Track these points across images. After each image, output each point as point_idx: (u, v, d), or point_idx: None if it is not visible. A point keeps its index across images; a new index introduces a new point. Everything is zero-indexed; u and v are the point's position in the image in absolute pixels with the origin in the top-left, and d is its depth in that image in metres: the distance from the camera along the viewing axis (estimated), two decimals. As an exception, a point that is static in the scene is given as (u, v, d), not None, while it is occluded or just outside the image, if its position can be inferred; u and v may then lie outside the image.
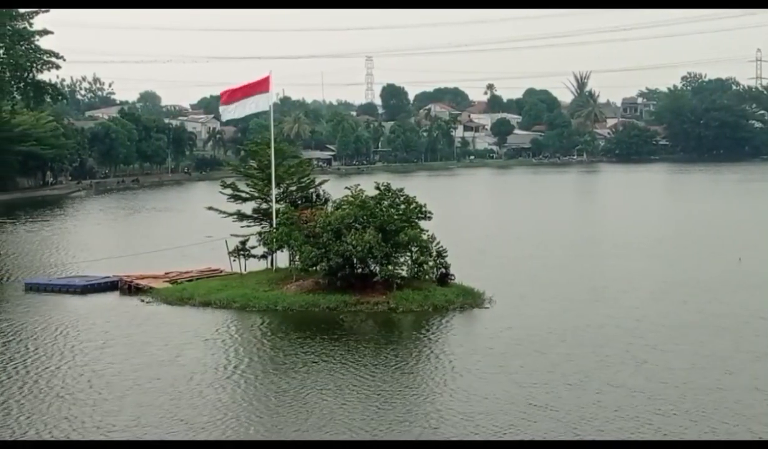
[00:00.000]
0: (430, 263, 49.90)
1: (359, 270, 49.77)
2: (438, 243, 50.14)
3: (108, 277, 56.63)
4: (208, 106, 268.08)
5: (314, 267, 50.09)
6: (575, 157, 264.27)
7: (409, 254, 49.77)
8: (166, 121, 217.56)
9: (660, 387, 32.40)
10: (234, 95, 57.81)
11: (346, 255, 48.34)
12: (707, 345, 39.08)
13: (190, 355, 38.67)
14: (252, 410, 31.06)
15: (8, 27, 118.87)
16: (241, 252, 56.28)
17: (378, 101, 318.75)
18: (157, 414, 30.51)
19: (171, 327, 44.30)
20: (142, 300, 51.38)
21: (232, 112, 58.90)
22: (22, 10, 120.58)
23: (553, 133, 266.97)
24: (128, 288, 54.59)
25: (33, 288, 56.00)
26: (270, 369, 36.71)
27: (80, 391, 33.50)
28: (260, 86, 57.23)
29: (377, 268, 49.18)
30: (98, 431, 28.89)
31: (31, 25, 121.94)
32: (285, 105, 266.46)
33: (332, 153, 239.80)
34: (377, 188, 51.72)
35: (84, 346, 40.73)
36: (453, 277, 50.46)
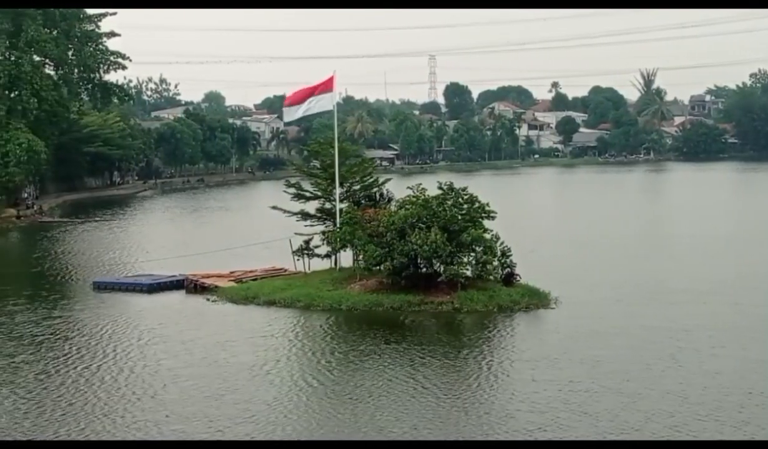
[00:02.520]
0: (495, 263, 49.72)
1: (423, 270, 49.76)
2: (502, 242, 49.93)
3: (174, 276, 57.12)
4: (272, 105, 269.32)
5: (378, 267, 50.14)
6: (642, 156, 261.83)
7: (473, 254, 49.62)
8: (231, 121, 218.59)
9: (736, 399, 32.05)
10: (298, 97, 58.11)
11: (411, 255, 48.36)
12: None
13: (254, 354, 38.92)
14: (313, 409, 31.21)
15: (77, 29, 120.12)
16: (305, 252, 56.46)
17: (441, 100, 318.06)
18: (222, 412, 30.76)
19: (235, 326, 44.62)
20: (208, 299, 51.76)
21: (295, 113, 59.17)
22: (89, 13, 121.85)
23: (619, 131, 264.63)
24: (194, 287, 55.04)
25: (101, 287, 56.64)
26: (333, 368, 36.82)
27: (150, 389, 33.88)
28: (324, 86, 57.44)
29: (441, 268, 49.13)
30: (167, 429, 29.20)
31: (98, 27, 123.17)
32: (348, 104, 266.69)
33: (395, 152, 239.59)
34: (440, 188, 51.67)
35: (150, 345, 41.17)
36: (518, 277, 50.23)
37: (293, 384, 34.32)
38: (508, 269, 50.19)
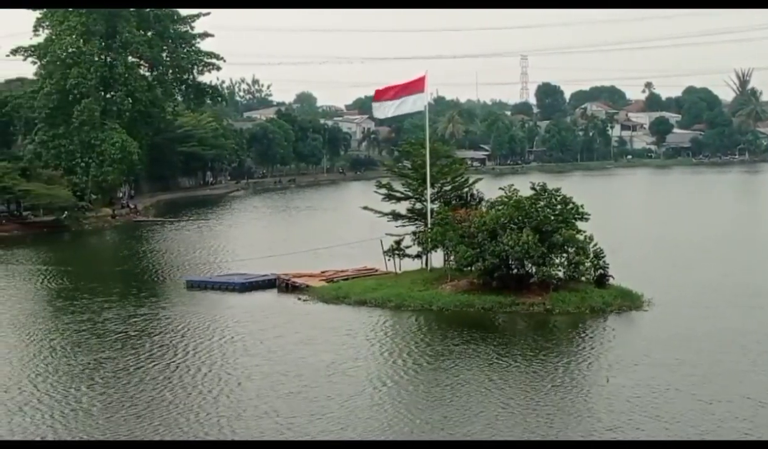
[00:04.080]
0: (587, 264, 49.28)
1: (515, 271, 49.45)
2: (596, 244, 49.46)
3: (266, 275, 57.43)
4: (363, 106, 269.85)
5: (469, 268, 49.96)
6: (737, 157, 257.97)
7: (565, 255, 49.25)
8: (322, 121, 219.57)
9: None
10: (388, 93, 58.00)
11: (502, 256, 48.09)
12: None
13: (337, 352, 38.98)
14: (406, 408, 31.12)
15: (171, 30, 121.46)
16: (396, 252, 56.40)
17: (533, 100, 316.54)
18: (296, 409, 30.84)
19: (324, 325, 44.71)
20: (299, 299, 51.96)
21: (385, 109, 59.06)
22: (183, 13, 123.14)
23: (714, 131, 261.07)
24: (285, 286, 55.30)
25: (194, 285, 57.16)
26: (417, 368, 36.76)
27: (225, 388, 34.09)
28: (415, 86, 57.29)
29: (533, 269, 48.82)
30: (239, 426, 29.35)
31: (192, 28, 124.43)
32: (439, 105, 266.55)
33: (486, 152, 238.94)
34: (533, 188, 51.33)
35: (234, 342, 41.47)
36: (611, 279, 49.72)
37: (369, 383, 34.27)
38: (600, 270, 49.71)
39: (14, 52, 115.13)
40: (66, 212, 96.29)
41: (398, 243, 56.52)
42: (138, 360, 38.28)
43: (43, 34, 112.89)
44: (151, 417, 30.36)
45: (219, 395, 33.11)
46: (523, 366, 36.51)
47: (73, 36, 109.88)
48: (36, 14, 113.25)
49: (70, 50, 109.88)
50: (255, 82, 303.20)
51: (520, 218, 48.85)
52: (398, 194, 60.31)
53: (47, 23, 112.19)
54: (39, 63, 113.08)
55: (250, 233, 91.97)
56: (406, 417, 30.03)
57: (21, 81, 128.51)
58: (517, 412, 30.19)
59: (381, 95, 58.49)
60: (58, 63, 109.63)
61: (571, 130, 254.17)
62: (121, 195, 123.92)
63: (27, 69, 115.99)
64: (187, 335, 43.27)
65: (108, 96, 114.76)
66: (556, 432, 28.07)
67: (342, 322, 45.37)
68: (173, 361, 38.18)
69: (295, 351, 39.47)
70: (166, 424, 29.64)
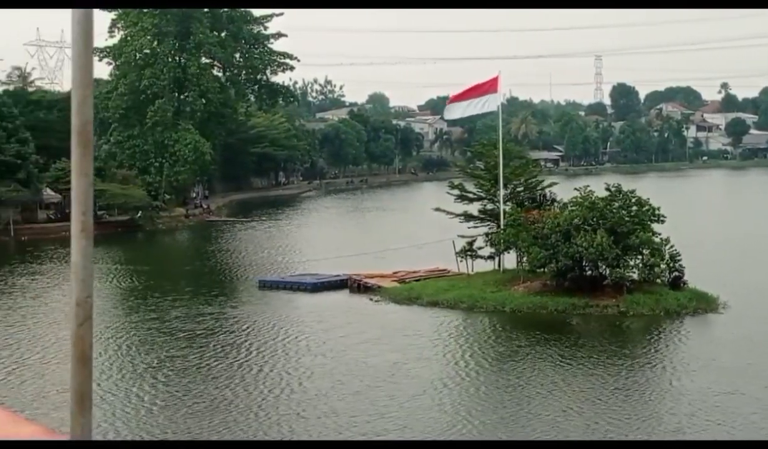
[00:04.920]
0: (662, 266, 48.73)
1: (588, 273, 49.02)
2: (671, 246, 48.86)
3: (338, 276, 57.44)
4: (435, 106, 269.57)
5: (542, 269, 49.64)
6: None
7: (640, 257, 48.72)
8: (394, 122, 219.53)
9: None
10: (462, 96, 57.93)
11: (576, 257, 47.69)
12: None
13: (411, 354, 38.90)
14: (466, 410, 31.08)
15: (244, 31, 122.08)
16: (468, 253, 56.15)
17: (607, 101, 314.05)
18: (356, 408, 30.76)
19: (395, 326, 44.64)
20: (371, 299, 51.91)
21: (458, 111, 59.00)
22: (256, 14, 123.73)
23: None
24: (357, 286, 55.27)
25: (266, 285, 57.32)
26: (486, 370, 36.64)
27: (287, 387, 34.13)
28: (489, 87, 57.11)
29: (607, 271, 48.33)
30: (298, 426, 29.29)
31: (265, 28, 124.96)
32: (512, 105, 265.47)
33: (560, 153, 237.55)
34: (607, 189, 50.88)
35: (300, 342, 41.54)
36: (686, 281, 49.12)
37: (431, 384, 34.25)
38: (675, 273, 49.12)
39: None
40: (140, 212, 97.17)
41: (471, 244, 56.27)
42: (202, 359, 38.45)
43: (118, 35, 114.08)
44: (210, 416, 30.43)
45: (280, 394, 33.14)
46: (589, 368, 36.21)
47: (147, 37, 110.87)
48: (111, 15, 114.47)
49: (144, 51, 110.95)
50: (327, 82, 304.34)
51: (594, 219, 48.42)
52: (471, 195, 60.11)
53: (122, 24, 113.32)
54: (114, 64, 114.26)
55: (321, 233, 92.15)
56: (465, 418, 29.93)
57: (96, 81, 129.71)
58: (578, 415, 29.94)
59: (455, 98, 58.58)
60: (132, 64, 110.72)
61: (645, 130, 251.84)
62: (194, 195, 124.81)
63: (102, 70, 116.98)
64: (253, 334, 43.42)
65: (181, 96, 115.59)
66: (616, 436, 27.73)
67: (411, 323, 45.27)
68: (237, 360, 38.30)
69: (360, 351, 39.44)
70: (225, 423, 29.70)
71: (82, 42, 3.57)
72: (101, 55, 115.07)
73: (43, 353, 40.14)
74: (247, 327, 44.92)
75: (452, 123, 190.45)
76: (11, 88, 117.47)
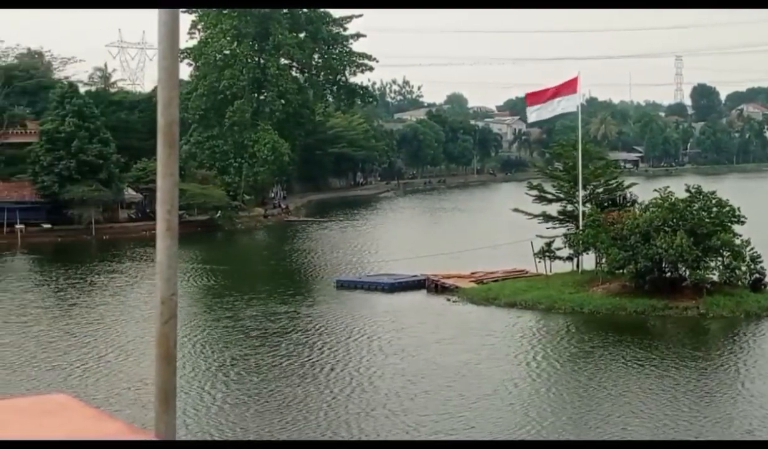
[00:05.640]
0: (743, 268, 48.14)
1: (668, 274, 48.56)
2: (752, 247, 48.25)
3: (415, 276, 57.44)
4: (514, 107, 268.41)
5: (621, 270, 49.28)
6: None
7: (720, 258, 48.18)
8: (473, 122, 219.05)
9: None
10: (541, 97, 57.73)
11: (655, 259, 47.27)
12: None
13: (484, 354, 38.84)
14: (536, 410, 30.95)
15: (324, 31, 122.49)
16: (547, 254, 55.88)
17: (687, 101, 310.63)
18: (448, 411, 30.69)
19: (470, 327, 44.56)
20: (448, 300, 51.86)
21: (538, 113, 58.86)
22: (336, 15, 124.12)
23: None
24: (435, 287, 55.23)
25: (343, 285, 57.46)
26: (558, 371, 36.49)
27: (357, 387, 34.16)
28: (568, 87, 56.87)
29: (687, 272, 47.84)
30: (367, 425, 29.33)
31: (344, 29, 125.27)
32: (591, 106, 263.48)
33: (639, 154, 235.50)
34: (688, 190, 50.38)
35: (380, 343, 41.56)
36: (767, 284, 48.47)
37: (502, 384, 34.18)
38: (756, 274, 48.50)
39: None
40: (219, 212, 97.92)
41: (549, 245, 56.00)
42: (275, 358, 38.67)
43: (198, 37, 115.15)
44: (281, 415, 30.58)
45: (351, 393, 33.23)
46: (663, 370, 35.90)
47: (227, 38, 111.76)
48: (191, 17, 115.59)
49: (223, 52, 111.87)
50: (406, 83, 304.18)
51: (674, 220, 47.98)
52: (549, 196, 59.84)
53: (202, 26, 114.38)
54: (194, 65, 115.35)
55: (398, 233, 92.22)
56: (535, 419, 29.83)
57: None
58: (647, 417, 29.68)
59: (533, 98, 58.28)
60: (211, 65, 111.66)
61: (726, 131, 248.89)
62: (273, 195, 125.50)
63: (182, 71, 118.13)
64: (326, 333, 43.59)
65: (260, 97, 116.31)
66: (684, 438, 27.48)
67: (486, 324, 45.18)
68: (309, 359, 38.47)
69: (433, 351, 39.43)
70: (295, 422, 29.82)
71: (168, 43, 3.62)
72: (181, 57, 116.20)
73: (119, 351, 40.65)
74: (321, 327, 45.10)
75: (531, 124, 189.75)
76: (93, 88, 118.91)
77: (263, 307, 50.08)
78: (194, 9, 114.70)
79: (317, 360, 38.28)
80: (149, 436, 2.59)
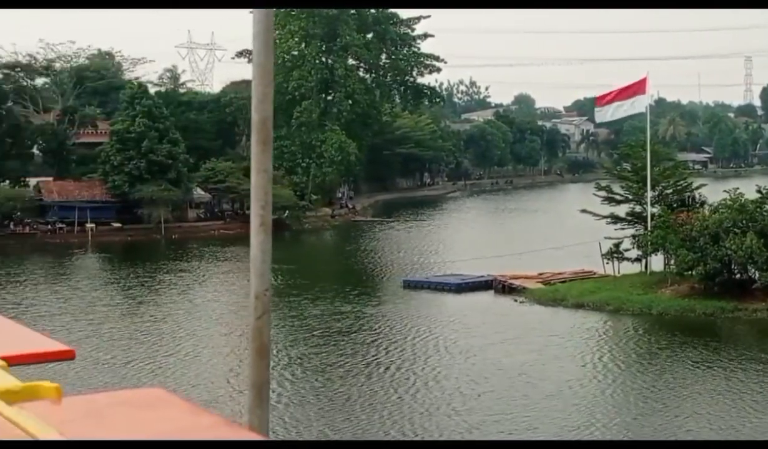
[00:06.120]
0: (815, 270, 47.54)
1: (737, 276, 48.09)
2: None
3: (482, 276, 57.37)
4: (582, 107, 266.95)
5: (690, 272, 48.87)
6: None
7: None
8: (540, 123, 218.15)
9: None
10: (610, 98, 57.53)
11: (725, 260, 46.82)
12: None
13: (549, 355, 38.73)
14: (601, 411, 30.83)
15: (391, 32, 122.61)
16: (615, 255, 55.57)
17: (757, 102, 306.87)
18: (510, 412, 30.67)
19: (536, 327, 44.43)
20: (515, 300, 51.77)
21: (607, 114, 58.66)
22: (403, 16, 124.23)
23: None
24: (502, 287, 55.13)
25: (410, 285, 57.53)
26: (623, 372, 36.33)
27: (412, 388, 34.18)
28: (636, 88, 56.60)
29: (756, 274, 47.33)
30: (420, 425, 29.34)
31: (412, 30, 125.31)
32: (660, 106, 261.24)
33: (708, 155, 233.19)
34: (759, 191, 49.87)
35: (444, 342, 41.58)
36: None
37: (566, 384, 34.02)
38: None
39: (239, 54, 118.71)
40: (287, 211, 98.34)
41: (617, 246, 55.70)
42: (339, 357, 38.82)
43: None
44: (345, 413, 30.70)
45: (415, 393, 33.28)
46: (730, 372, 35.56)
47: (295, 39, 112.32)
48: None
49: (291, 53, 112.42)
50: (473, 83, 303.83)
51: (743, 222, 47.48)
52: (617, 197, 59.51)
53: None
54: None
55: (464, 234, 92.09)
56: (599, 420, 29.73)
57: (245, 83, 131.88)
58: (710, 418, 29.46)
59: (602, 100, 58.13)
60: (279, 65, 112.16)
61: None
62: (340, 195, 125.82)
63: (251, 71, 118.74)
64: (391, 333, 43.66)
65: (327, 98, 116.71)
66: (745, 437, 27.29)
67: (553, 324, 45.04)
68: (374, 358, 38.60)
69: (497, 351, 39.39)
70: (359, 420, 29.92)
71: (262, 40, 3.68)
72: (250, 57, 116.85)
73: (184, 348, 41.05)
74: (387, 326, 45.20)
75: (599, 124, 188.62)
76: (163, 89, 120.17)
77: (329, 306, 50.27)
78: (292, 7, 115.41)
79: (382, 360, 38.38)
80: (244, 430, 2.66)
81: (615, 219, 58.42)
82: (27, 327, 3.35)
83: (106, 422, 2.41)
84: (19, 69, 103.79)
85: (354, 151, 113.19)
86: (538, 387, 33.59)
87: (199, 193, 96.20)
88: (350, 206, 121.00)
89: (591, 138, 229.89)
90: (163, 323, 46.91)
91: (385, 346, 40.97)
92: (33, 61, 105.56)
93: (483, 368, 36.48)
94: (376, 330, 44.52)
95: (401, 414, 30.63)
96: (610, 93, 58.30)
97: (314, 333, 43.62)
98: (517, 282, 54.99)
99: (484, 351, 39.50)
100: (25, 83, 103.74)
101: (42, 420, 2.29)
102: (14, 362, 2.87)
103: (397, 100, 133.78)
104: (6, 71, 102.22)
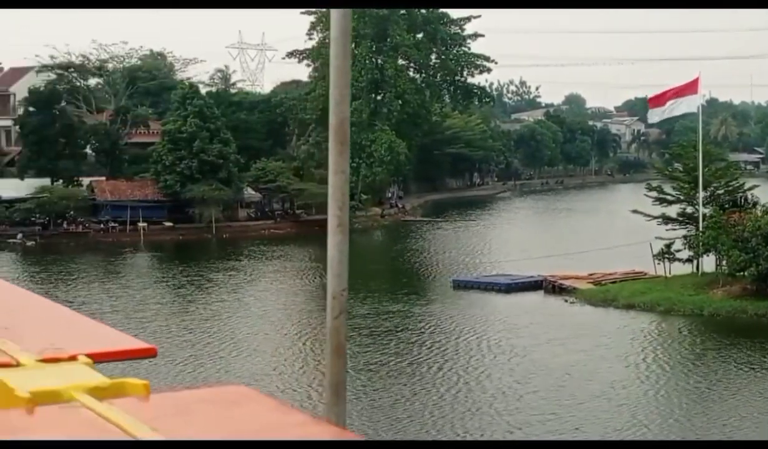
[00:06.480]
0: None
1: (790, 278, 47.73)
2: None
3: (532, 277, 57.28)
4: (633, 107, 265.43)
5: (742, 273, 48.52)
6: None
7: None
8: (591, 123, 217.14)
9: None
10: (663, 98, 57.35)
11: (778, 261, 46.51)
12: None
13: (596, 355, 38.63)
14: (643, 412, 30.75)
15: (441, 32, 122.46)
16: (666, 256, 55.26)
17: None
18: (555, 412, 30.61)
19: (585, 328, 44.32)
20: (565, 301, 51.66)
21: (659, 114, 58.50)
22: (454, 15, 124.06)
23: None
24: (552, 287, 55.00)
25: (460, 285, 57.53)
26: (668, 372, 36.17)
27: (454, 388, 34.18)
28: (688, 88, 56.36)
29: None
30: (461, 426, 29.29)
31: (463, 29, 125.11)
32: (712, 106, 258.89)
33: (761, 155, 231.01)
34: (812, 191, 49.51)
35: (488, 343, 41.55)
36: None
37: (611, 385, 33.95)
38: None
39: (290, 54, 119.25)
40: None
41: (669, 246, 55.39)
42: (384, 355, 38.90)
43: (317, 38, 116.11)
44: (388, 413, 30.72)
45: (458, 393, 33.30)
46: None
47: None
48: (310, 18, 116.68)
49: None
50: (523, 83, 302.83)
51: (798, 223, 47.17)
52: (669, 197, 59.19)
53: (321, 27, 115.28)
54: (312, 65, 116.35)
55: (513, 234, 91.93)
56: (642, 421, 29.66)
57: (296, 83, 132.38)
58: (756, 421, 29.22)
59: (655, 100, 58.03)
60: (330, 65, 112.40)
61: None
62: (389, 195, 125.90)
63: (302, 71, 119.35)
64: (438, 332, 43.72)
65: (377, 98, 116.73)
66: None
67: (601, 325, 44.93)
68: (418, 358, 38.68)
69: (544, 351, 39.32)
70: (401, 420, 29.97)
71: (340, 42, 3.71)
72: (300, 57, 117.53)
73: (231, 347, 41.31)
74: (433, 326, 45.26)
75: (650, 124, 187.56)
76: (214, 89, 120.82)
77: (377, 306, 50.36)
78: (313, 10, 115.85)
79: (426, 359, 38.45)
80: (337, 428, 2.69)
81: (666, 219, 58.11)
82: (109, 326, 3.42)
83: (195, 419, 2.44)
84: (72, 69, 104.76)
85: (404, 150, 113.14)
86: (583, 387, 33.54)
87: (249, 192, 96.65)
88: (400, 206, 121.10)
89: (642, 138, 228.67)
90: (212, 321, 47.25)
91: (430, 346, 41.03)
92: (86, 62, 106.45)
93: (528, 368, 36.45)
94: (422, 329, 44.58)
95: (443, 414, 30.70)
96: (663, 94, 58.13)
97: (361, 332, 43.71)
98: (567, 283, 54.83)
99: (530, 351, 39.46)
100: (78, 83, 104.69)
101: (132, 417, 2.33)
102: (99, 359, 2.92)
103: (447, 100, 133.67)
104: (60, 72, 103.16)
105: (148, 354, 3.21)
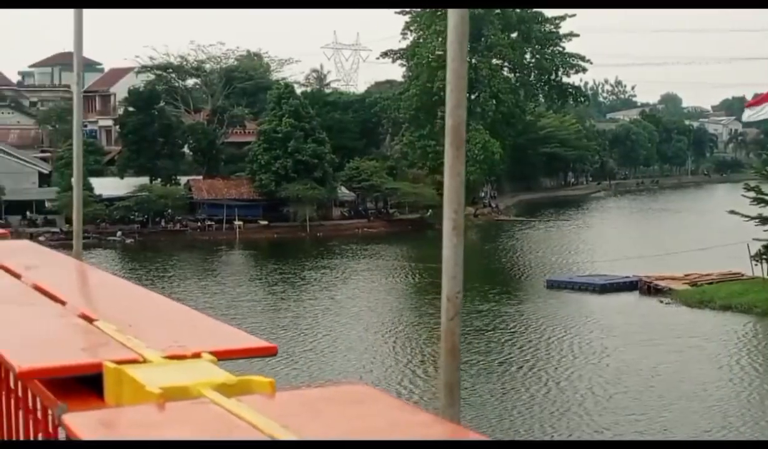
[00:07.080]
0: None
1: None
2: None
3: (627, 277, 56.91)
4: (730, 107, 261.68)
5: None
6: None
7: None
8: (687, 122, 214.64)
9: None
10: (762, 99, 56.68)
11: None
12: None
13: (695, 357, 38.37)
14: (735, 413, 30.63)
15: (535, 31, 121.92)
16: (764, 257, 54.51)
17: None
18: (644, 412, 30.43)
19: (683, 329, 44.04)
20: (661, 302, 51.28)
21: (756, 114, 57.69)
22: (549, 15, 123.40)
23: None
24: (647, 288, 54.59)
25: (554, 285, 57.34)
26: (760, 373, 35.71)
27: (534, 386, 34.07)
28: (788, 87, 55.59)
29: None
30: (582, 428, 29.20)
31: (557, 29, 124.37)
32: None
33: None
34: None
35: (579, 342, 41.37)
36: None
37: (701, 386, 33.81)
38: None
39: (384, 54, 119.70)
40: (430, 210, 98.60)
41: (766, 247, 54.64)
42: (473, 354, 38.97)
43: (411, 38, 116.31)
44: (477, 411, 30.83)
45: (547, 393, 33.31)
46: None
47: (440, 39, 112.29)
48: (405, 18, 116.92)
49: (436, 53, 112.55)
50: (618, 83, 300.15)
51: None
52: (767, 197, 58.35)
53: (415, 27, 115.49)
54: (406, 65, 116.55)
55: (607, 234, 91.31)
56: (732, 423, 29.37)
57: (389, 83, 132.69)
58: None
59: (753, 101, 57.50)
60: (424, 65, 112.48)
61: None
62: (483, 194, 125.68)
63: (396, 71, 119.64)
64: (529, 332, 43.71)
65: (472, 97, 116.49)
66: None
67: (696, 326, 44.51)
68: (509, 357, 38.65)
69: (635, 352, 39.11)
70: (488, 419, 29.96)
71: (457, 46, 3.79)
72: (394, 57, 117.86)
73: (322, 345, 41.64)
74: (524, 325, 45.28)
75: (747, 124, 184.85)
76: (309, 89, 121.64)
77: (468, 305, 50.29)
78: (408, 10, 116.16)
79: (516, 358, 38.46)
80: (454, 427, 2.76)
81: (764, 220, 57.25)
82: (229, 325, 3.56)
83: (323, 418, 2.47)
84: (170, 70, 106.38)
85: (498, 150, 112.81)
86: (673, 388, 33.32)
87: (343, 191, 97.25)
88: (493, 205, 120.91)
89: (739, 138, 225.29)
90: (303, 318, 47.72)
91: (520, 345, 41.01)
92: (184, 63, 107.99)
93: (619, 368, 36.30)
94: (513, 328, 44.57)
95: (531, 414, 30.74)
96: (763, 95, 57.44)
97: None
98: (662, 283, 54.37)
99: (622, 351, 39.27)
100: (176, 84, 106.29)
101: (262, 414, 2.38)
102: (222, 357, 3.00)
103: (542, 100, 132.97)
104: (158, 72, 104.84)
105: (269, 352, 3.30)
